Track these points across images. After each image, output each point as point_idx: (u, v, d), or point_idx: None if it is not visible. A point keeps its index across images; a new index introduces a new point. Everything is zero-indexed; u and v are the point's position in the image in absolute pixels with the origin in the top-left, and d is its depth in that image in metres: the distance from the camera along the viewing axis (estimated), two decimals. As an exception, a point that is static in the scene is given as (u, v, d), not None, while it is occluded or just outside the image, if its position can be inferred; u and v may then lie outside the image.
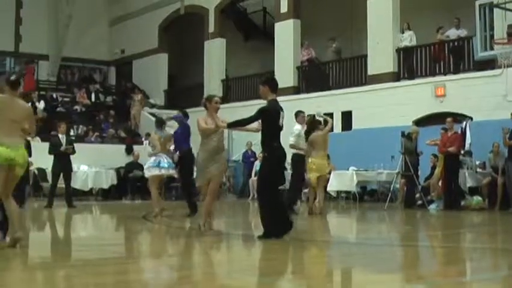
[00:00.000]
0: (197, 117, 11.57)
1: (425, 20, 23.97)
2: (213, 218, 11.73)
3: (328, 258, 9.26)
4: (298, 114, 16.74)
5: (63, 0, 33.46)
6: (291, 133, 16.22)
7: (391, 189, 19.61)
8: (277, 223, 10.14)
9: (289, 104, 22.46)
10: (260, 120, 10.36)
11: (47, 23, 34.58)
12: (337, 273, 7.88)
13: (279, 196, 10.54)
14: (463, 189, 19.03)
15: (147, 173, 15.32)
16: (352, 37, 26.93)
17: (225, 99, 29.45)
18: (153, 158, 14.92)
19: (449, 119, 19.02)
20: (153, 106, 31.81)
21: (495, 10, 19.87)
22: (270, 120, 10.28)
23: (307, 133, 16.24)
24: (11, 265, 7.88)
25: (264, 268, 8.13)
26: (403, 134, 19.18)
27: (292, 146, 16.05)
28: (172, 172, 15.93)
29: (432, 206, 18.88)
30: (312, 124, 16.43)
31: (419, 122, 22.12)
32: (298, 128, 16.46)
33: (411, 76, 23.00)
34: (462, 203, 18.59)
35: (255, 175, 24.18)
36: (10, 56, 34.53)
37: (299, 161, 16.42)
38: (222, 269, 8.02)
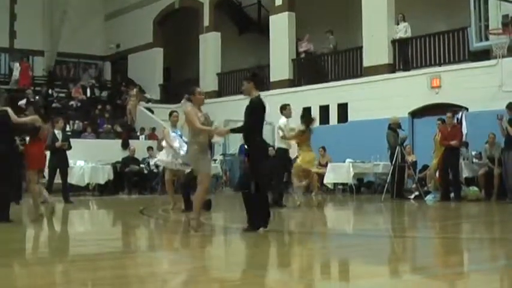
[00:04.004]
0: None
1: (420, 11, 23.94)
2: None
3: (325, 249, 9.26)
4: (285, 107, 16.47)
5: (57, -4, 33.44)
6: (277, 127, 16.31)
7: (388, 180, 19.58)
8: (260, 215, 10.21)
9: (284, 97, 22.58)
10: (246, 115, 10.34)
11: (42, 18, 34.55)
12: (335, 265, 7.88)
13: (263, 189, 10.47)
14: (460, 180, 19.01)
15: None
16: (347, 29, 26.90)
17: (220, 93, 29.46)
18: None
19: (449, 115, 18.88)
20: (148, 101, 31.76)
21: (490, 0, 19.87)
22: (257, 116, 10.32)
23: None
24: (10, 261, 7.85)
25: (260, 261, 8.12)
26: (388, 126, 19.25)
27: (283, 137, 16.08)
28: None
29: (429, 197, 18.85)
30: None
31: (415, 113, 22.16)
32: (283, 121, 16.30)
33: (406, 67, 22.99)
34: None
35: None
36: (5, 52, 34.39)
37: (283, 154, 16.39)
38: (218, 263, 8.02)
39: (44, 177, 16.92)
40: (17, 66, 31.78)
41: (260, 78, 10.75)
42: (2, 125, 11.97)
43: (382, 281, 6.62)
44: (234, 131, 11.20)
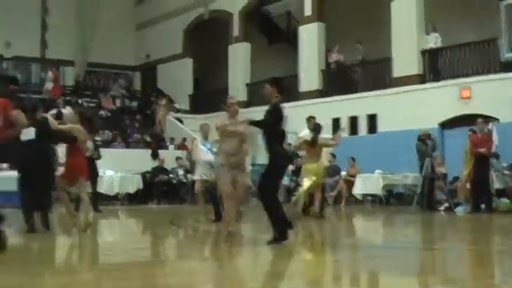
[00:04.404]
0: None
1: (450, 21, 23.80)
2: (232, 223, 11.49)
3: (354, 261, 9.20)
4: (310, 119, 16.19)
5: (89, 6, 33.72)
6: (297, 135, 16.26)
7: (418, 192, 19.48)
8: (285, 225, 10.07)
9: (313, 108, 22.59)
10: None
11: (73, 29, 34.76)
12: (363, 276, 7.82)
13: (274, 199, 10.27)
14: (491, 192, 18.84)
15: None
16: (377, 40, 26.80)
17: (249, 103, 29.47)
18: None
19: (480, 120, 18.71)
20: (178, 111, 31.86)
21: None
22: (276, 122, 10.09)
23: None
24: (40, 270, 7.89)
25: (289, 272, 8.10)
26: (418, 138, 19.19)
27: (295, 147, 15.98)
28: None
29: (459, 209, 18.71)
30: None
31: (445, 124, 22.01)
32: (304, 132, 16.18)
33: (437, 78, 22.85)
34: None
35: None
36: (36, 62, 34.77)
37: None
38: (246, 273, 7.99)
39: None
40: (49, 77, 32.03)
41: (282, 85, 10.52)
42: (42, 133, 12.02)
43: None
44: (252, 123, 10.96)
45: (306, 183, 15.37)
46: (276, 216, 10.06)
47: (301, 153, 16.41)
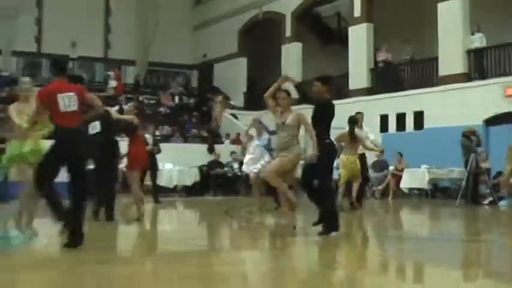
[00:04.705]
0: None
1: (495, 21, 23.55)
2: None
3: (400, 252, 9.22)
4: (357, 115, 16.00)
5: (149, 8, 34.24)
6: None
7: (462, 186, 19.35)
8: (335, 217, 10.07)
9: (362, 105, 22.62)
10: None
11: (134, 30, 35.31)
12: (409, 267, 7.85)
13: (324, 190, 10.17)
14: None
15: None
16: (423, 39, 26.65)
17: (300, 102, 29.41)
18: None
19: None
20: (233, 107, 32.04)
21: None
22: (329, 115, 10.11)
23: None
24: (104, 257, 8.07)
25: (338, 262, 8.17)
26: (463, 134, 19.03)
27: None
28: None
29: (502, 203, 18.57)
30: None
31: (489, 121, 21.80)
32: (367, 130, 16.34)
33: (482, 77, 22.64)
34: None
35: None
36: (100, 62, 35.33)
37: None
38: (298, 263, 8.04)
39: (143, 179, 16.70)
40: (111, 76, 32.48)
41: (332, 83, 10.53)
42: (106, 125, 12.23)
43: (457, 284, 6.57)
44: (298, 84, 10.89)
45: (342, 174, 15.54)
46: (327, 207, 10.08)
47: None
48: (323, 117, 10.16)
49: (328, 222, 9.98)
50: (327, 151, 10.01)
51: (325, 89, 10.24)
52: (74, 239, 8.22)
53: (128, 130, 12.83)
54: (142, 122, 13.56)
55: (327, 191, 10.21)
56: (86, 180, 8.59)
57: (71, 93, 8.41)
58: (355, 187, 15.61)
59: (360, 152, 15.84)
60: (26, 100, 9.52)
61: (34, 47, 33.80)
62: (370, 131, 17.17)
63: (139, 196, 12.86)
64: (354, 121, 15.21)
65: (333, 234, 9.87)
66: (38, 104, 8.70)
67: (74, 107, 8.39)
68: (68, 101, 8.34)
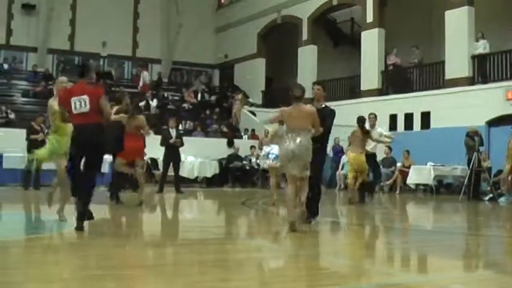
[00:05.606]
0: None
1: (497, 30, 23.44)
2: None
3: (405, 244, 9.18)
4: (369, 116, 16.21)
5: (174, 11, 34.46)
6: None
7: (465, 183, 19.28)
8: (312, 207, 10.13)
9: (373, 105, 22.57)
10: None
11: (160, 31, 35.57)
12: (414, 258, 7.82)
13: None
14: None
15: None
16: (431, 44, 26.56)
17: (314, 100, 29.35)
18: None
19: None
20: (252, 105, 32.03)
21: None
22: (331, 122, 10.23)
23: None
24: (127, 242, 8.10)
25: (347, 251, 8.16)
26: (467, 134, 18.96)
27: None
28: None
29: (502, 199, 18.51)
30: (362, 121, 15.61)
31: (491, 123, 21.71)
32: (379, 130, 16.39)
33: (484, 81, 22.55)
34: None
35: (342, 168, 24.09)
36: (128, 60, 35.57)
37: (370, 159, 16.05)
38: (310, 252, 7.99)
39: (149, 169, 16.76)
40: (144, 74, 32.71)
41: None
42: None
43: (458, 274, 6.54)
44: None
45: (349, 170, 15.73)
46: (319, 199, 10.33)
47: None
48: (329, 124, 10.22)
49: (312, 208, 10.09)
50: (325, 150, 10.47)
51: (324, 94, 10.49)
52: (78, 223, 8.45)
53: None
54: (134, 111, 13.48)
55: (319, 184, 10.40)
56: (96, 169, 8.81)
57: (84, 96, 8.53)
58: (358, 181, 15.59)
59: (371, 151, 15.90)
60: None
61: (67, 45, 34.02)
62: (384, 131, 17.31)
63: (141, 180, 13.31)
64: (362, 121, 15.36)
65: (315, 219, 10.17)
66: (58, 103, 9.12)
67: (85, 108, 8.54)
68: (79, 104, 8.53)
